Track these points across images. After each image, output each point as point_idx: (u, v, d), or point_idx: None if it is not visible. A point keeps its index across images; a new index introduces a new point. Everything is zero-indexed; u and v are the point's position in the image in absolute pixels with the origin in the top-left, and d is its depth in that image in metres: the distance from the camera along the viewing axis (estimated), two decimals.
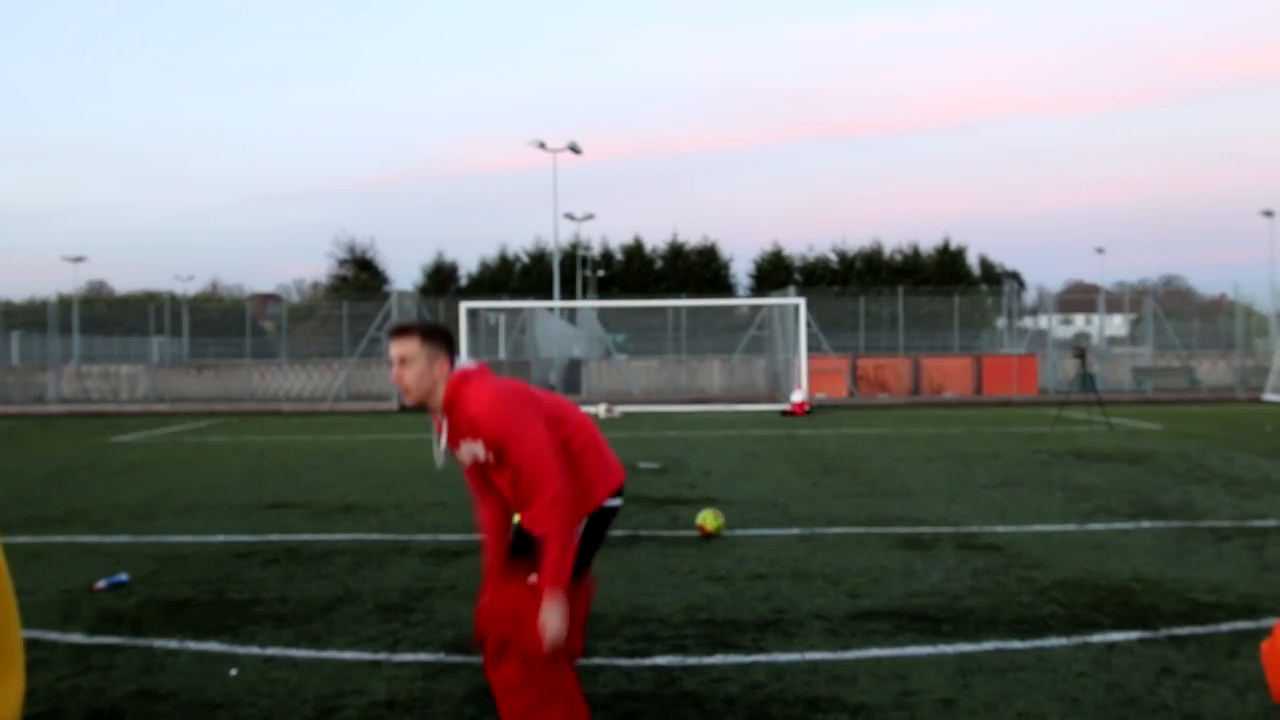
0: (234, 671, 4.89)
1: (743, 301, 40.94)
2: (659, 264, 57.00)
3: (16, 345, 35.07)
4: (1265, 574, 6.71)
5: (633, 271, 56.63)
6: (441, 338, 3.61)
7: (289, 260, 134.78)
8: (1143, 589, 6.30)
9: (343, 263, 58.72)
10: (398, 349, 3.56)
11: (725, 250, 57.92)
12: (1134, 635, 5.33)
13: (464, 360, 3.66)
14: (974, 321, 38.59)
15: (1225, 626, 5.46)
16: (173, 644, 5.35)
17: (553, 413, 3.72)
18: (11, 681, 2.11)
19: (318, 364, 30.97)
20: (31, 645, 5.34)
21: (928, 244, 58.19)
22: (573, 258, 54.21)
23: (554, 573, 3.41)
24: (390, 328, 3.67)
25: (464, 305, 27.63)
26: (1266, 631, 5.32)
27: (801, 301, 27.38)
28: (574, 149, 35.43)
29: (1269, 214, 44.69)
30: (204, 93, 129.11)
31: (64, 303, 33.93)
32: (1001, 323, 39.74)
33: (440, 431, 3.64)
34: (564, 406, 3.86)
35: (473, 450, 3.59)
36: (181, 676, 4.84)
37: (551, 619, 3.41)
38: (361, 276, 56.10)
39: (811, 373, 26.80)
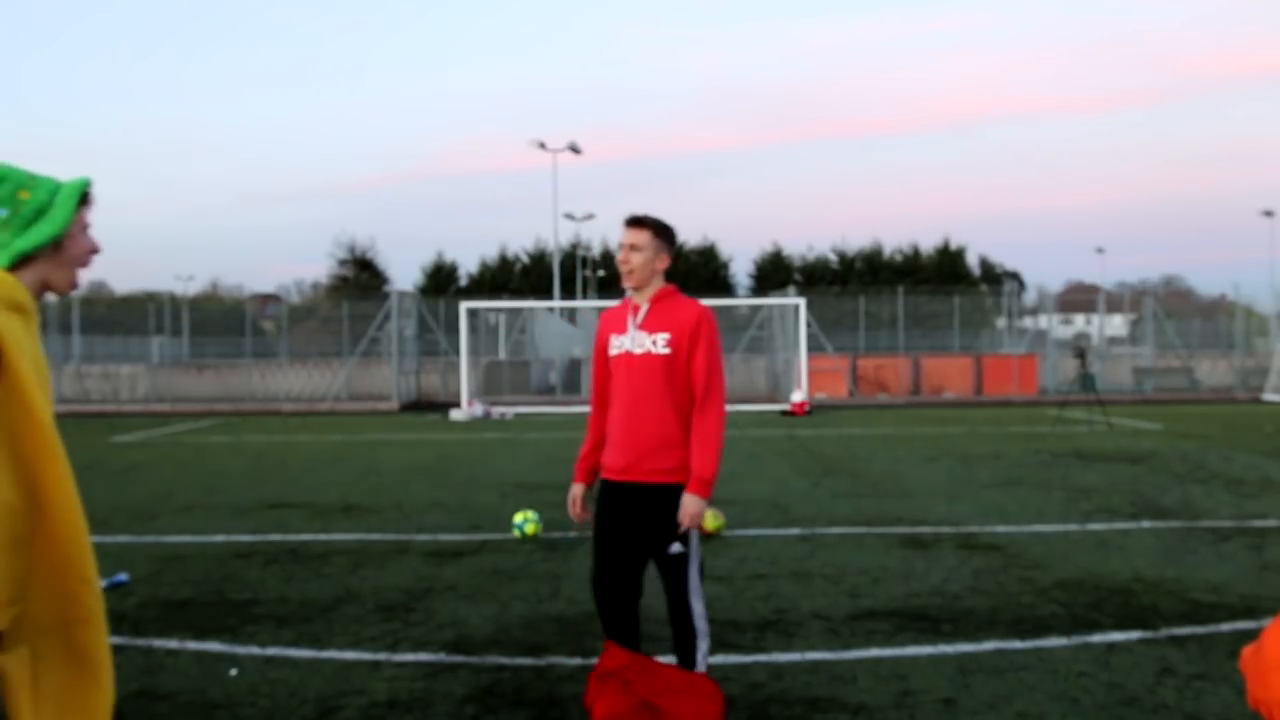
0: (234, 672, 4.88)
1: (743, 301, 40.94)
2: None
3: None
4: (1265, 574, 6.71)
5: None
6: (669, 238, 4.01)
7: (289, 260, 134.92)
8: (1143, 589, 6.30)
9: (343, 263, 58.74)
10: (630, 236, 3.96)
11: (725, 250, 58.06)
12: (1134, 635, 5.33)
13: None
14: (974, 321, 38.60)
15: (1226, 626, 5.46)
16: (173, 644, 5.35)
17: (720, 365, 4.02)
18: (101, 695, 2.17)
19: (318, 364, 30.96)
20: None
21: (928, 244, 58.23)
22: (573, 258, 54.26)
23: (712, 470, 3.80)
24: (628, 217, 4.02)
25: (464, 305, 27.63)
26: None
27: (801, 301, 27.37)
28: (574, 149, 35.44)
29: (1269, 214, 44.71)
30: (203, 93, 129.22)
31: (64, 302, 33.96)
32: (1001, 323, 39.73)
33: (637, 315, 3.97)
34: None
35: (654, 339, 3.89)
36: (181, 677, 4.84)
37: (694, 506, 3.78)
38: (362, 276, 56.11)
39: (811, 373, 26.80)
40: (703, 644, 3.92)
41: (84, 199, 2.32)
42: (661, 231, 3.98)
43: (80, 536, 2.16)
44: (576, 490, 4.12)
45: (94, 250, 2.34)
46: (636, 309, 3.99)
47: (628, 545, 3.92)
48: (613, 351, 4.00)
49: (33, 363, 2.12)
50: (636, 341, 3.92)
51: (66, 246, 2.26)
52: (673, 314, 3.92)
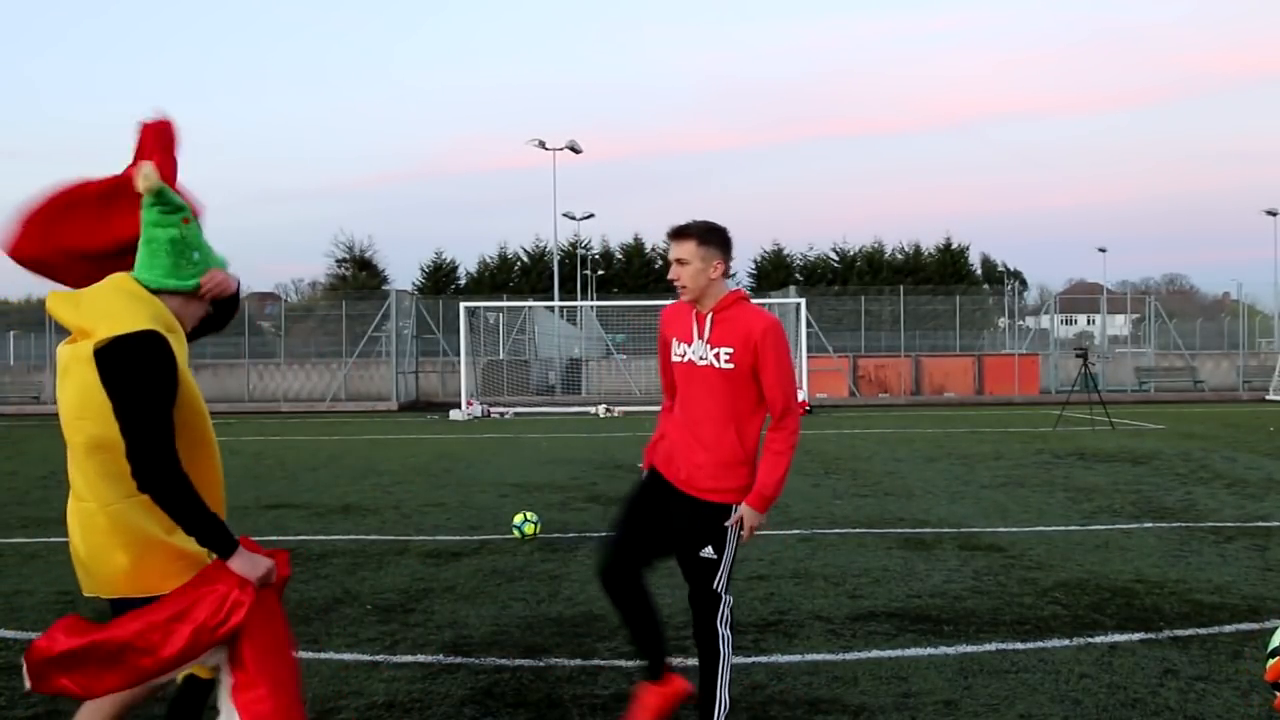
0: None
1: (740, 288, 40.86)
2: (659, 264, 57.05)
3: (13, 345, 35.05)
4: (1268, 575, 6.68)
5: (633, 271, 56.70)
6: (718, 240, 3.74)
7: (287, 260, 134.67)
8: (1145, 590, 6.27)
9: (341, 262, 58.76)
10: (675, 250, 3.73)
11: None
12: (1136, 636, 5.30)
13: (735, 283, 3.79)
14: (975, 321, 38.60)
15: (1228, 628, 5.43)
16: None
17: (792, 377, 3.90)
18: (216, 470, 2.99)
19: (316, 364, 30.94)
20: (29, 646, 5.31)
21: (929, 243, 58.31)
22: (573, 257, 54.24)
23: (774, 495, 3.75)
24: (670, 229, 3.79)
25: (464, 305, 27.62)
26: (1269, 632, 5.29)
27: (802, 301, 27.39)
28: (574, 149, 35.42)
29: (1273, 213, 44.64)
30: (203, 93, 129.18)
31: None
32: (1003, 322, 39.77)
33: (701, 326, 3.76)
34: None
35: (716, 353, 3.72)
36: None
37: (753, 519, 3.75)
38: (360, 276, 56.11)
39: (812, 372, 26.79)
40: (725, 667, 3.86)
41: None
42: (709, 237, 3.71)
43: (222, 496, 3.01)
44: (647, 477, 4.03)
45: (207, 313, 3.04)
46: (702, 319, 3.77)
47: (657, 531, 3.87)
48: (675, 357, 3.85)
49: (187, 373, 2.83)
50: (698, 352, 3.75)
51: (197, 298, 2.94)
52: (738, 326, 3.69)
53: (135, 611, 2.69)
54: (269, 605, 2.80)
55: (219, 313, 3.13)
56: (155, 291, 2.81)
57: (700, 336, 3.75)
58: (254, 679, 2.72)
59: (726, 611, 3.85)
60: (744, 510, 3.73)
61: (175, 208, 2.86)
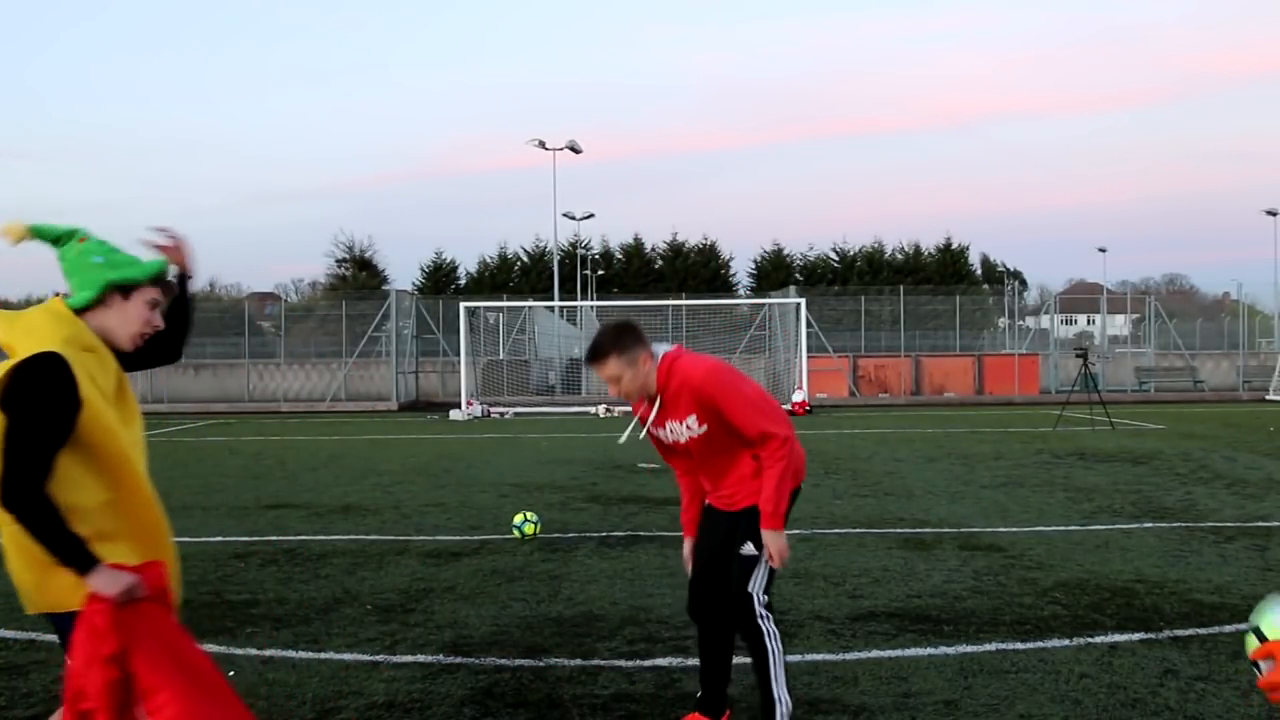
0: (231, 673, 4.85)
1: (743, 301, 40.93)
2: (659, 264, 57.06)
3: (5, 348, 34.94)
4: (1268, 575, 6.68)
5: (633, 271, 56.66)
6: (630, 338, 3.79)
7: (287, 260, 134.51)
8: (1145, 590, 6.27)
9: (341, 262, 58.73)
10: (601, 372, 3.81)
11: (725, 250, 58.00)
12: (1136, 636, 5.30)
13: (662, 346, 3.85)
14: (975, 321, 38.60)
15: (1228, 628, 5.43)
16: None
17: (756, 393, 3.87)
18: (135, 483, 2.82)
19: (316, 364, 30.94)
20: (28, 646, 5.32)
21: (929, 243, 58.28)
22: (573, 257, 54.22)
23: (775, 505, 3.74)
24: (585, 355, 3.86)
25: (464, 305, 27.63)
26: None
27: (802, 301, 27.37)
28: (574, 149, 35.41)
29: (1273, 213, 44.61)
30: (202, 92, 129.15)
31: None
32: (1003, 322, 39.77)
33: (647, 415, 3.88)
34: (768, 397, 3.96)
35: (685, 424, 3.80)
36: None
37: (773, 542, 3.75)
38: (360, 276, 56.10)
39: (812, 372, 26.78)
40: (777, 664, 3.88)
41: (159, 275, 2.92)
42: (621, 343, 3.77)
43: (156, 513, 2.87)
44: (687, 546, 4.15)
45: (155, 326, 2.91)
46: (647, 409, 3.90)
47: (722, 550, 3.98)
48: (662, 438, 3.97)
49: (104, 392, 2.75)
50: (674, 431, 3.88)
51: (132, 302, 2.85)
52: (683, 393, 3.78)
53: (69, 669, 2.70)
54: (153, 617, 2.75)
55: (171, 332, 3.07)
56: (79, 312, 2.81)
57: (665, 420, 3.87)
58: (154, 686, 2.69)
59: (763, 609, 3.89)
60: (764, 535, 3.80)
61: (65, 235, 2.87)
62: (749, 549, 3.86)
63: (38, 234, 2.88)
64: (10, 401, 2.64)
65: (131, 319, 2.86)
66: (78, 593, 2.68)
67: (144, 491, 2.84)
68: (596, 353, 3.79)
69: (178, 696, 2.69)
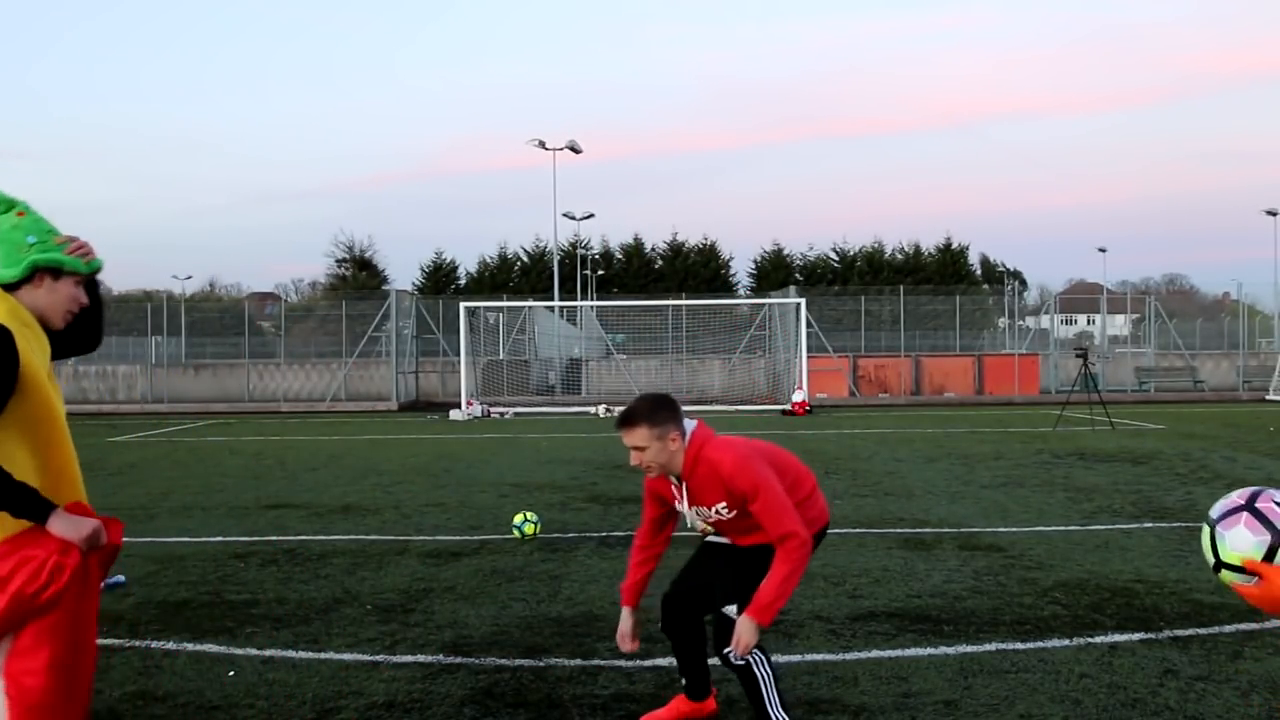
0: (232, 673, 4.86)
1: (743, 301, 40.92)
2: (659, 264, 57.04)
3: None
4: None
5: (633, 271, 56.66)
6: (666, 413, 3.75)
7: (287, 260, 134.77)
8: (1145, 590, 6.27)
9: (341, 262, 58.79)
10: (629, 439, 3.75)
11: (725, 250, 58.01)
12: (1136, 636, 5.30)
13: (689, 424, 3.82)
14: (975, 321, 38.60)
15: (1228, 628, 5.43)
16: (170, 645, 5.32)
17: (776, 462, 3.90)
18: (65, 456, 2.80)
19: (316, 364, 30.93)
20: None
21: (929, 243, 58.33)
22: (573, 257, 54.23)
23: (773, 600, 3.64)
24: (617, 420, 3.82)
25: (464, 305, 27.62)
26: (1270, 633, 5.29)
27: (802, 301, 27.37)
28: (574, 149, 35.41)
29: (1273, 213, 44.65)
30: (202, 92, 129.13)
31: None
32: (1003, 322, 39.77)
33: (680, 497, 3.88)
34: (785, 458, 4.02)
35: (713, 511, 3.83)
36: (179, 678, 4.81)
37: (750, 633, 3.67)
38: (360, 276, 56.13)
39: (812, 372, 26.77)
40: (771, 689, 3.89)
41: (92, 272, 2.97)
42: (656, 415, 3.72)
43: (79, 487, 2.85)
44: (626, 618, 4.10)
45: (81, 303, 2.94)
46: (679, 489, 3.88)
47: (705, 587, 4.04)
48: (686, 517, 3.99)
49: (43, 367, 2.76)
50: (702, 514, 3.88)
51: (62, 283, 2.88)
52: (713, 482, 3.76)
53: None
54: (90, 576, 2.70)
55: (85, 325, 3.03)
56: (7, 288, 2.80)
57: (692, 504, 3.86)
58: (33, 648, 2.60)
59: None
60: (740, 622, 3.69)
61: (3, 203, 2.88)
62: (732, 611, 3.84)
63: None
64: None
65: (62, 298, 2.88)
66: None
67: (71, 459, 2.84)
68: (629, 418, 3.74)
69: (48, 671, 2.60)
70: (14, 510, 2.63)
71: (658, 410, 3.74)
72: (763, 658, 3.86)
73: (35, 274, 2.82)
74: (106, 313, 3.21)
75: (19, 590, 2.58)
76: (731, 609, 3.85)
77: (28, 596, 2.58)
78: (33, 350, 2.73)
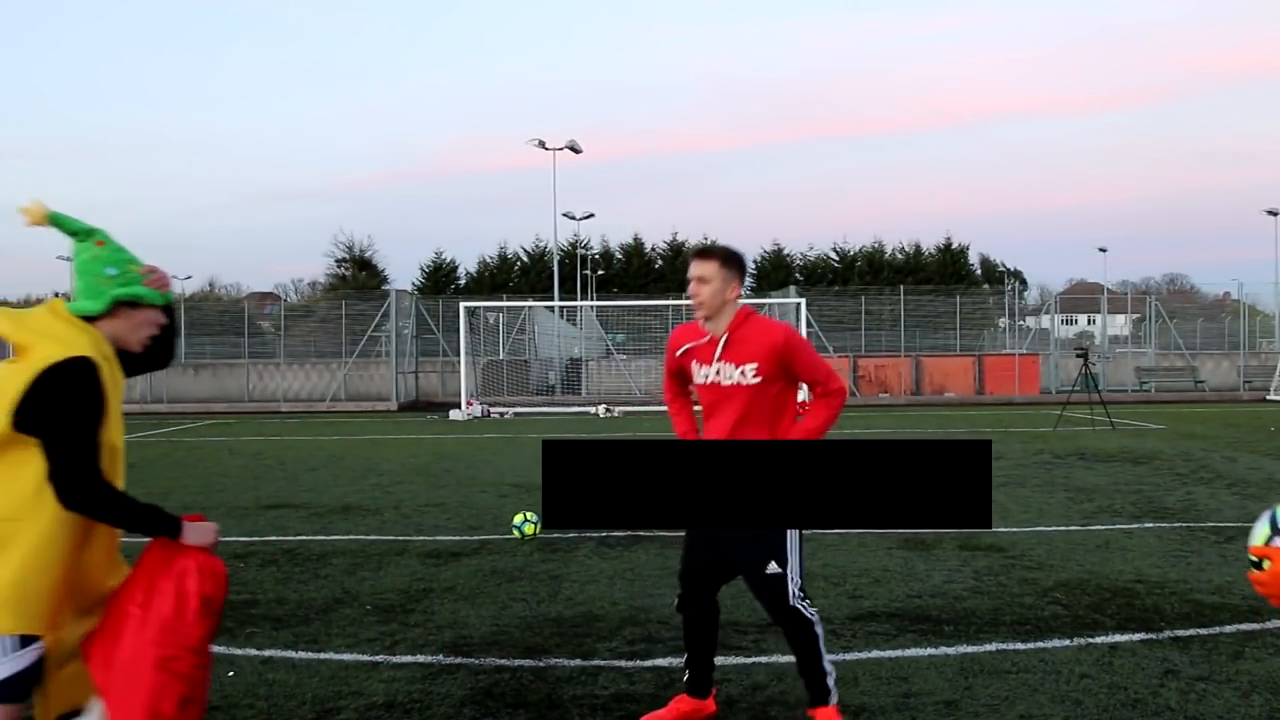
0: (231, 673, 4.85)
1: (743, 301, 40.84)
2: (659, 263, 57.04)
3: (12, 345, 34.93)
4: None
5: (633, 271, 56.67)
6: (738, 265, 3.93)
7: (287, 260, 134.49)
8: (1146, 590, 6.26)
9: (341, 262, 58.78)
10: (697, 268, 3.89)
11: None
12: (1137, 637, 5.30)
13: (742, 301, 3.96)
14: (976, 321, 38.53)
15: (1229, 628, 5.43)
16: None
17: None
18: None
19: (316, 364, 30.93)
20: None
21: (929, 243, 58.27)
22: (573, 257, 54.23)
23: (819, 432, 3.95)
24: (694, 248, 4.03)
25: (464, 305, 27.61)
26: (1271, 633, 5.29)
27: (802, 301, 27.38)
28: (574, 149, 35.41)
29: (1273, 213, 44.64)
30: (203, 92, 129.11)
31: None
32: (1003, 322, 39.76)
33: (709, 358, 3.94)
34: None
35: (741, 370, 3.87)
36: None
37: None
38: (360, 276, 56.12)
39: None
40: (822, 639, 3.94)
41: (168, 305, 3.05)
42: (729, 260, 3.90)
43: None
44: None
45: (160, 324, 3.01)
46: (716, 340, 3.93)
47: (721, 555, 3.99)
48: (698, 379, 3.99)
49: (116, 404, 2.85)
50: (724, 374, 3.90)
51: (142, 312, 2.93)
52: (756, 341, 3.87)
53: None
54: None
55: (158, 347, 3.09)
56: (89, 320, 2.83)
57: (720, 357, 3.90)
58: (142, 604, 2.79)
59: (803, 598, 3.90)
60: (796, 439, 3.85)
61: (83, 232, 2.88)
62: (774, 568, 3.84)
63: (56, 223, 2.86)
64: (58, 401, 2.67)
65: (141, 325, 2.95)
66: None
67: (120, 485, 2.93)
68: (708, 250, 3.93)
69: (144, 628, 2.75)
70: (147, 529, 2.80)
71: (733, 258, 3.92)
72: (816, 615, 3.91)
73: (116, 306, 2.87)
74: None
75: (210, 597, 2.85)
76: (772, 565, 3.84)
77: (218, 603, 2.88)
78: (111, 385, 2.81)
